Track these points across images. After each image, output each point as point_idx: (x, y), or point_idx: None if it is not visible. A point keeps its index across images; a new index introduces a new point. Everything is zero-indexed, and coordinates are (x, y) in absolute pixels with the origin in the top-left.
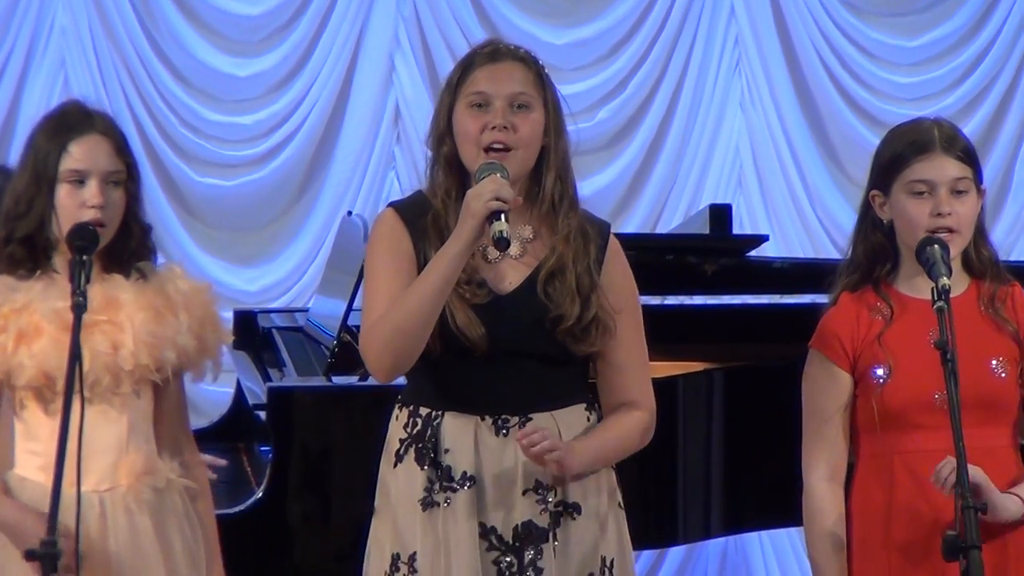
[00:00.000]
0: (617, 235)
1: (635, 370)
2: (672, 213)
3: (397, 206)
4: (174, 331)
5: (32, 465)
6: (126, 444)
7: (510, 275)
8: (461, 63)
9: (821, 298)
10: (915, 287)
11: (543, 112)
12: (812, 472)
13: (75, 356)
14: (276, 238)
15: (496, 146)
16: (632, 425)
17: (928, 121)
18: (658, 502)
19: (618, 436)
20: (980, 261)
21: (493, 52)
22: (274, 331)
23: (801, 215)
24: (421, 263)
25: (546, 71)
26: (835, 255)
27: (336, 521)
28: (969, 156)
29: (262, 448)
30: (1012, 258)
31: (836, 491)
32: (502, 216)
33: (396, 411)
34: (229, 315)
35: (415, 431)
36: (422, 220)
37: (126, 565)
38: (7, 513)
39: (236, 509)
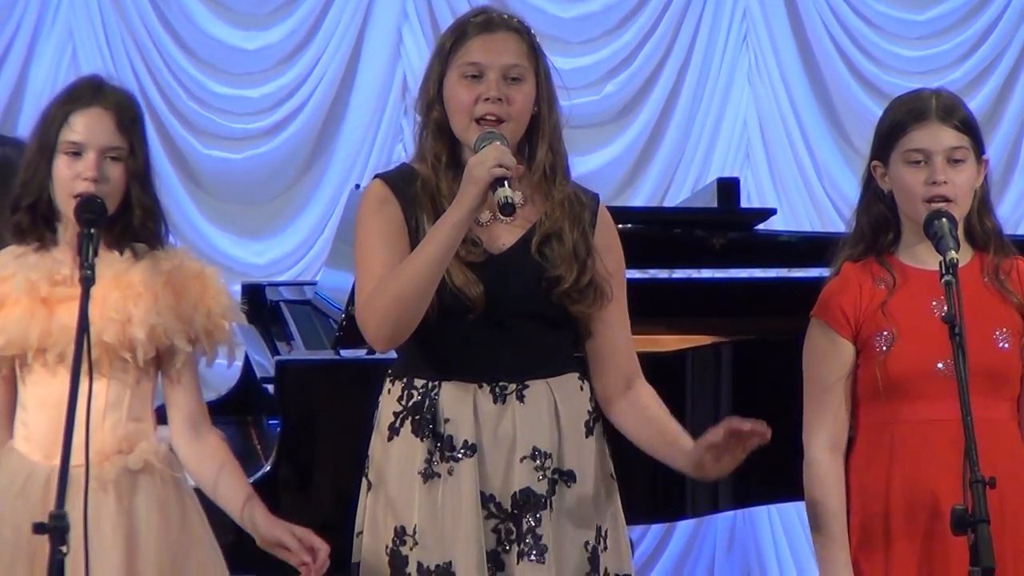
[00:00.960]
0: (625, 208)
1: (626, 337)
2: (680, 187)
3: (384, 176)
4: (147, 311)
5: (20, 436)
6: (100, 421)
7: (503, 236)
8: (453, 31)
9: (829, 272)
10: (917, 257)
11: (535, 83)
12: (813, 442)
13: (83, 329)
14: (284, 211)
15: (489, 117)
16: (656, 398)
17: (928, 91)
18: (666, 476)
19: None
20: (984, 232)
21: (487, 22)
22: (282, 304)
23: (809, 189)
24: (412, 229)
25: (538, 41)
26: (843, 229)
27: (342, 492)
28: (968, 126)
29: (270, 421)
30: (1020, 231)
31: (837, 461)
32: (506, 183)
33: (388, 385)
34: (237, 288)
35: (411, 403)
36: (411, 187)
37: (77, 541)
38: None
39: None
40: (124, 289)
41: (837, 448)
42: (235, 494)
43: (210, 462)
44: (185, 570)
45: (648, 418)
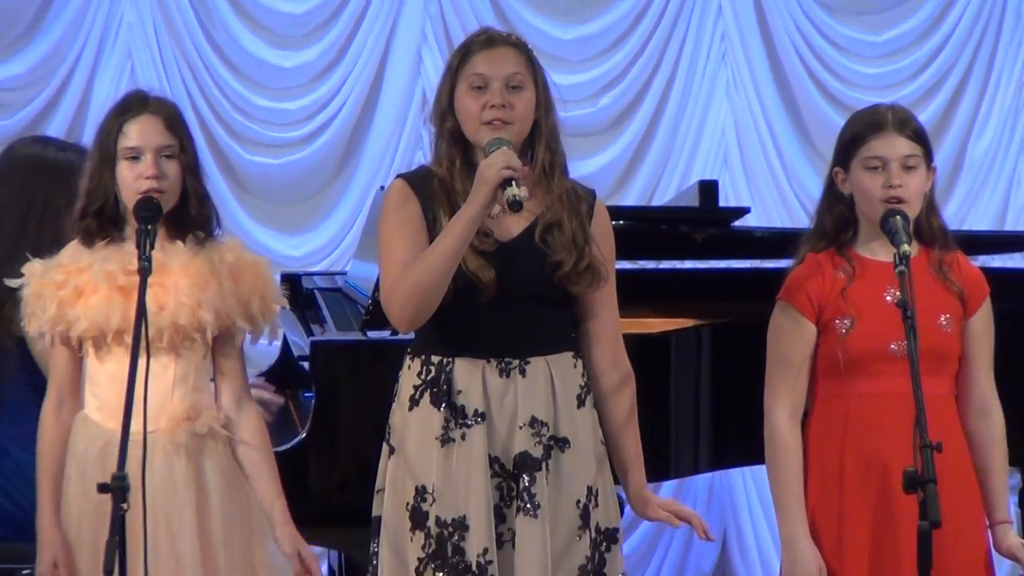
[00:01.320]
0: (616, 207)
1: (615, 319)
2: (666, 188)
3: (405, 176)
4: (215, 296)
5: (92, 406)
6: (171, 392)
7: (511, 227)
8: (459, 50)
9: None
10: (872, 251)
11: (534, 90)
12: (775, 410)
13: (141, 314)
14: (318, 210)
15: (495, 122)
16: (630, 400)
17: (884, 106)
18: (652, 442)
19: (634, 423)
20: (931, 230)
21: (488, 39)
22: (316, 291)
23: (779, 190)
24: (430, 223)
25: (534, 54)
26: (809, 225)
27: (368, 457)
28: (919, 137)
29: (306, 394)
30: (964, 228)
31: (796, 427)
32: (513, 182)
33: (408, 361)
34: (277, 277)
35: (429, 377)
36: (429, 186)
37: (159, 499)
38: (44, 524)
39: (283, 448)
40: (193, 277)
41: (796, 416)
42: (264, 490)
43: (249, 438)
44: (241, 522)
45: (609, 422)
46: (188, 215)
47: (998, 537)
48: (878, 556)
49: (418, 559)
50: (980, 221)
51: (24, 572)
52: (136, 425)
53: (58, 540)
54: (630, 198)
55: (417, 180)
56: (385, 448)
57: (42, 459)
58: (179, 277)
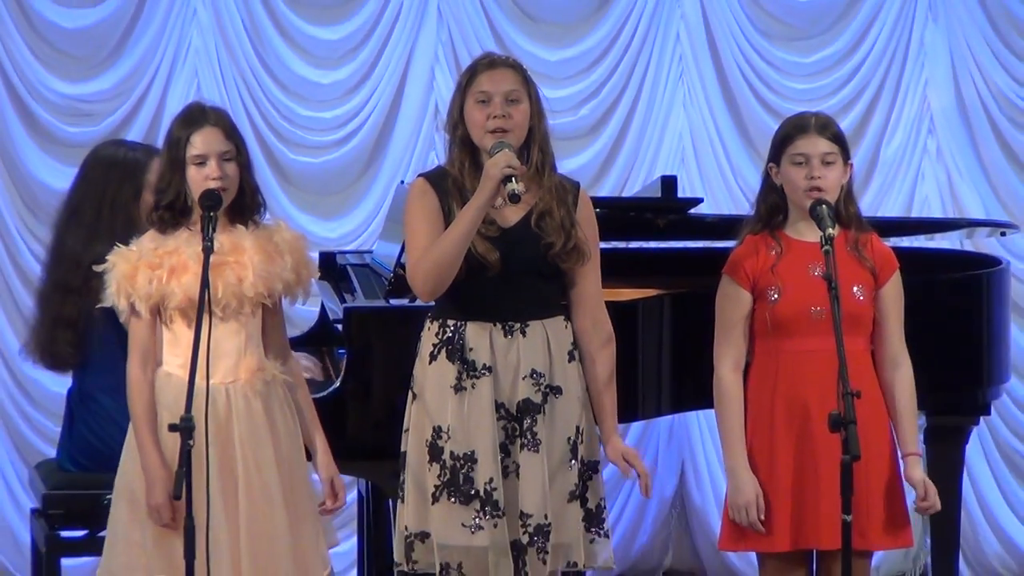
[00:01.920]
0: (594, 198)
1: (598, 291)
2: (634, 182)
3: (425, 175)
4: (280, 268)
5: (175, 364)
6: (244, 349)
7: (511, 216)
8: (467, 71)
9: (735, 242)
10: (799, 232)
11: (529, 103)
12: (721, 364)
13: (205, 284)
14: (350, 200)
15: (497, 130)
16: (610, 361)
17: (810, 113)
18: (624, 390)
19: (613, 384)
20: (848, 215)
21: (491, 62)
22: (348, 266)
23: (727, 183)
24: (446, 213)
25: (529, 73)
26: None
27: (390, 402)
28: (837, 138)
29: (339, 351)
30: (878, 214)
31: (738, 378)
32: (513, 179)
33: (428, 323)
34: (316, 255)
35: (445, 337)
36: (445, 183)
37: (245, 438)
38: (153, 464)
39: (321, 395)
40: (262, 253)
41: (738, 368)
42: (305, 424)
43: (296, 381)
44: (299, 450)
45: (594, 382)
46: (244, 205)
47: (907, 467)
48: (800, 484)
49: (434, 486)
50: (891, 209)
51: (107, 496)
52: (214, 378)
53: (166, 477)
54: (605, 190)
55: (435, 178)
56: (409, 395)
57: (139, 408)
58: (253, 254)
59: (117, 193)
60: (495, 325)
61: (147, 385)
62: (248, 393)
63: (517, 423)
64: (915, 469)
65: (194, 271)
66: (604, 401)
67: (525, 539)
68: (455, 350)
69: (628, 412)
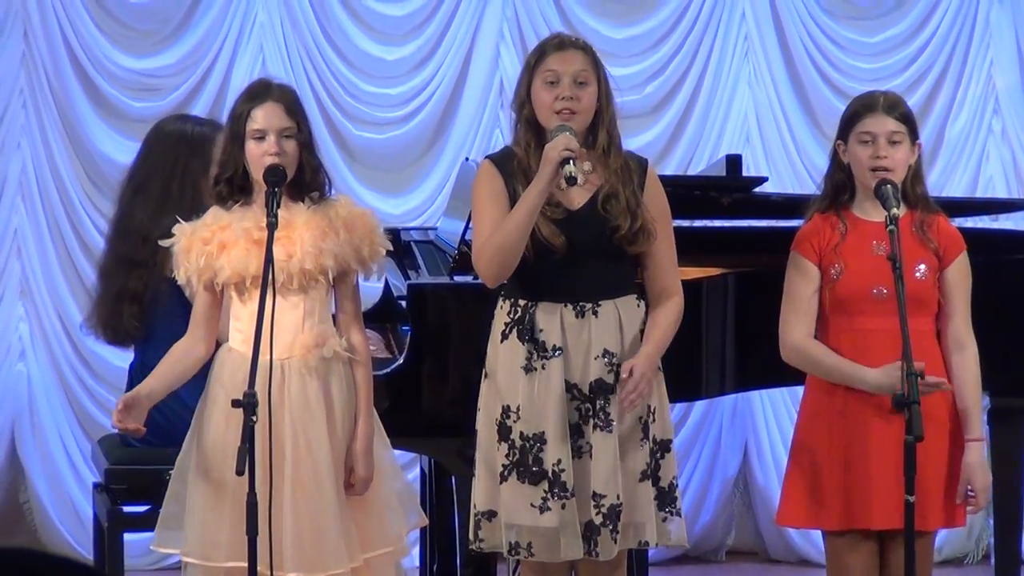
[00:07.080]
0: (660, 176)
1: (669, 264)
2: (699, 161)
3: (492, 157)
4: (333, 244)
5: (237, 340)
6: (301, 325)
7: (577, 197)
8: (536, 51)
9: (803, 220)
10: (865, 211)
11: (597, 85)
12: (792, 333)
13: (269, 260)
14: (414, 176)
15: (564, 111)
16: (670, 314)
17: (878, 92)
18: (688, 368)
19: (663, 328)
20: (915, 195)
21: (560, 42)
22: (412, 243)
23: (791, 162)
24: (511, 193)
25: (598, 55)
26: (815, 191)
27: (452, 380)
28: (905, 118)
29: (403, 327)
30: (943, 195)
31: (813, 340)
32: (571, 162)
33: (500, 302)
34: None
35: (516, 316)
36: (510, 164)
37: (296, 414)
38: (140, 390)
39: (384, 372)
40: (314, 230)
41: (810, 336)
42: (358, 401)
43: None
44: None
45: (651, 318)
46: (304, 182)
47: (967, 452)
48: (856, 464)
49: (503, 466)
50: (956, 190)
51: (168, 472)
52: (270, 354)
53: (131, 394)
54: (669, 169)
55: (501, 161)
56: (484, 374)
57: (161, 363)
58: (303, 231)
59: (186, 167)
60: (566, 306)
61: (182, 351)
62: (303, 370)
63: (590, 403)
64: (972, 454)
65: (244, 247)
66: (652, 331)
67: (599, 519)
68: (525, 330)
69: (692, 391)
